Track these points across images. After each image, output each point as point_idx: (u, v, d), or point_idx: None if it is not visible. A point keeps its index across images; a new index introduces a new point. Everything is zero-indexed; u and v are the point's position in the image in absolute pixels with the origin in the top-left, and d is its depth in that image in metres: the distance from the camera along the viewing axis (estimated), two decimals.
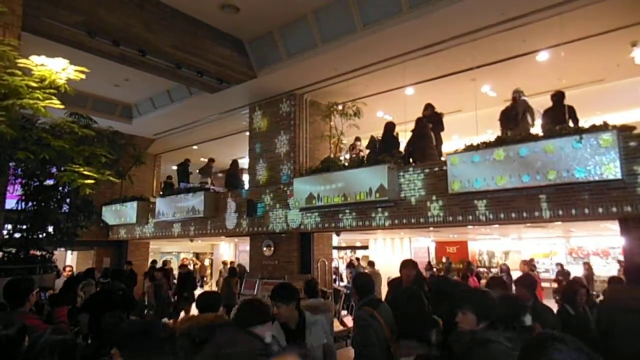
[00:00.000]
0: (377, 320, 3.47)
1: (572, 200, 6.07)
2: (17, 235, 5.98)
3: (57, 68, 4.55)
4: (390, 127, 8.98)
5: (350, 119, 9.65)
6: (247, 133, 11.04)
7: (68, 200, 6.46)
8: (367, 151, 9.51)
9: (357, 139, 10.10)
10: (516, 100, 7.67)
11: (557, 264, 14.34)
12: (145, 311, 10.13)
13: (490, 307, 2.36)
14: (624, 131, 5.85)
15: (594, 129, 5.88)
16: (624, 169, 5.65)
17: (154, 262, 14.18)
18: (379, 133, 9.28)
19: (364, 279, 4.14)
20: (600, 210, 5.86)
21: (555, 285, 12.85)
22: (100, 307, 3.68)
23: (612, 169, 5.62)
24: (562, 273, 12.85)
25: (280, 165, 10.01)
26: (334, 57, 8.19)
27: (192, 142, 14.43)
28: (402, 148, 8.88)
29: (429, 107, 8.89)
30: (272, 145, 10.24)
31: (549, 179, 6.05)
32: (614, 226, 7.05)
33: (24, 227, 6.00)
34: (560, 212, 6.15)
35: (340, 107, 9.81)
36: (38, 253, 6.06)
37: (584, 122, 6.49)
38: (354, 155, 9.87)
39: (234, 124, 12.11)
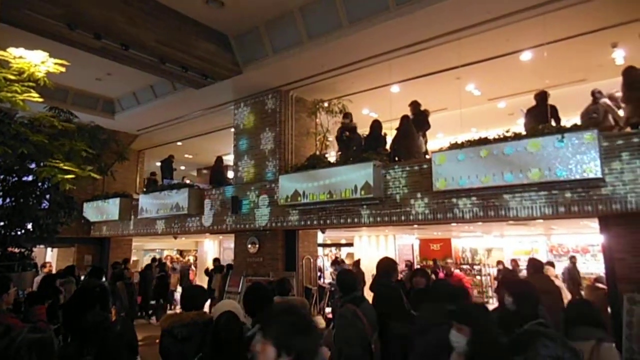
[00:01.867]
0: (360, 319, 3.46)
1: (554, 199, 6.17)
2: None
3: (36, 61, 4.46)
4: (376, 124, 9.00)
5: (336, 116, 9.63)
6: (232, 129, 10.96)
7: (48, 196, 6.33)
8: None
9: (346, 115, 9.32)
10: (596, 101, 7.33)
11: (498, 262, 14.21)
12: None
13: (293, 337, 1.84)
14: (605, 131, 5.97)
15: (575, 129, 5.98)
16: (604, 168, 5.76)
17: (154, 259, 13.99)
18: (365, 130, 9.29)
19: (347, 275, 4.13)
20: (580, 208, 5.97)
21: None
22: (78, 305, 3.60)
23: (592, 168, 5.71)
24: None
25: (266, 162, 9.96)
26: (320, 54, 8.16)
27: (176, 138, 14.26)
28: (387, 146, 8.91)
29: (413, 103, 8.92)
30: (258, 141, 10.18)
31: (531, 178, 6.14)
32: (594, 224, 7.19)
33: (2, 223, 5.86)
34: (542, 210, 6.24)
35: (326, 104, 9.79)
36: (17, 250, 5.93)
37: (566, 122, 6.61)
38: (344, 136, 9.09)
39: (219, 120, 11.99)
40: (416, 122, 8.73)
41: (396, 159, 8.32)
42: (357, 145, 8.89)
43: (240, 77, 9.32)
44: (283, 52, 8.44)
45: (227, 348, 2.73)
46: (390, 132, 8.92)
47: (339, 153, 9.48)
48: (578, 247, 16.21)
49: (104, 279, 9.44)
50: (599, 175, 5.68)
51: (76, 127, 5.26)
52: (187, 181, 12.61)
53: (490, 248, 17.93)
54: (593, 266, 15.03)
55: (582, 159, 5.78)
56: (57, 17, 6.82)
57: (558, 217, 6.35)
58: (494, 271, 15.70)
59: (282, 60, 8.54)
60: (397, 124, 8.69)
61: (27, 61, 4.41)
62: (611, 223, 6.28)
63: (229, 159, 12.73)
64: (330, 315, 9.49)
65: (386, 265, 4.59)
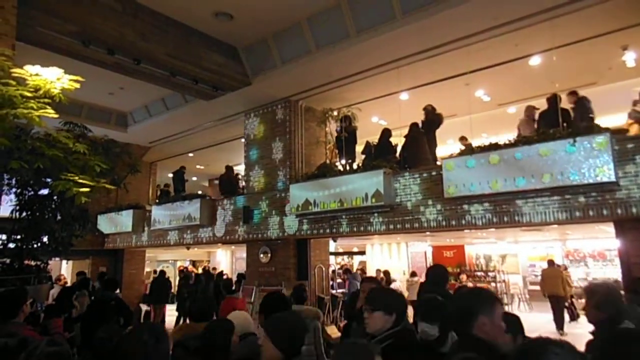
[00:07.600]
0: None
1: (567, 203, 6.10)
2: (11, 245, 5.93)
3: (52, 77, 4.54)
4: (386, 133, 9.02)
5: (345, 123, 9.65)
6: (243, 140, 11.04)
7: (62, 209, 6.42)
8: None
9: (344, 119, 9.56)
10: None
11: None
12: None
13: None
14: (617, 134, 5.90)
15: (587, 132, 5.92)
16: (618, 172, 5.69)
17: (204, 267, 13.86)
18: (374, 138, 9.31)
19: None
20: (595, 212, 5.89)
21: None
22: (94, 318, 3.63)
23: (605, 172, 5.65)
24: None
25: (277, 171, 10.01)
26: (329, 63, 8.22)
27: (188, 150, 14.41)
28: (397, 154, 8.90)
29: (428, 107, 8.95)
30: (268, 151, 10.24)
31: (544, 182, 6.08)
32: (610, 228, 7.08)
33: (19, 237, 5.96)
34: (556, 215, 6.17)
35: (335, 113, 9.84)
36: (33, 263, 6.01)
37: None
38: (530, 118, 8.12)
39: (230, 130, 12.11)
40: (429, 123, 8.71)
41: (405, 166, 8.31)
42: (351, 143, 9.32)
43: (250, 88, 9.42)
44: (291, 62, 8.51)
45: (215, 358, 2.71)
46: (399, 140, 8.91)
47: (336, 152, 9.61)
48: (594, 252, 15.95)
49: (118, 290, 9.51)
50: (613, 179, 5.61)
51: (90, 143, 5.34)
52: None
53: (504, 254, 17.72)
54: (610, 271, 14.78)
55: (595, 163, 5.72)
56: (71, 34, 7.00)
57: (572, 222, 6.27)
58: (507, 277, 15.54)
59: (291, 71, 8.62)
60: (406, 131, 8.68)
61: (42, 78, 4.50)
62: (627, 227, 6.18)
63: (240, 169, 12.82)
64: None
65: (435, 274, 4.13)
